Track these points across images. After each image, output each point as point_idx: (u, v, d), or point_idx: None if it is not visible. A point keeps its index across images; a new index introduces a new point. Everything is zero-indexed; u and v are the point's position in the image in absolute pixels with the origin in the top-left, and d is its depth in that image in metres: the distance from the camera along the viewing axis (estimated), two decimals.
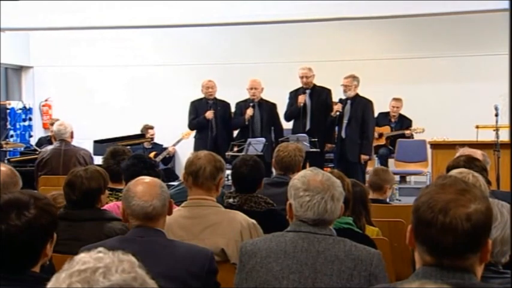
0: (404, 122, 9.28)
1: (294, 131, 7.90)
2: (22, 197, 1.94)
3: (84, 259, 1.08)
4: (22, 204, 1.91)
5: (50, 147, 6.74)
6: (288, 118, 8.06)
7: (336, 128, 7.89)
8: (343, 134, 7.72)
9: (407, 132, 9.13)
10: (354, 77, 7.71)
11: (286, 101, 8.06)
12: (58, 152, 6.44)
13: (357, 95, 7.74)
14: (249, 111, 7.90)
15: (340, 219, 2.95)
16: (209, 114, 8.09)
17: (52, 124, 8.74)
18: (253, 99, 7.98)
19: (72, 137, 6.63)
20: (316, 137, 7.50)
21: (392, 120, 9.35)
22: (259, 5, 8.52)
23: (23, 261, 1.88)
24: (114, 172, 3.97)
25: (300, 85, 7.94)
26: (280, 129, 8.11)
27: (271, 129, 8.07)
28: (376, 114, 8.78)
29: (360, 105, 7.71)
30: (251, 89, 7.99)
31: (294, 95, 7.94)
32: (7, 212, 1.89)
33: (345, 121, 7.70)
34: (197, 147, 7.83)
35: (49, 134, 9.75)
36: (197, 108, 8.21)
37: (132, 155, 4.14)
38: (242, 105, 8.10)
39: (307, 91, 7.87)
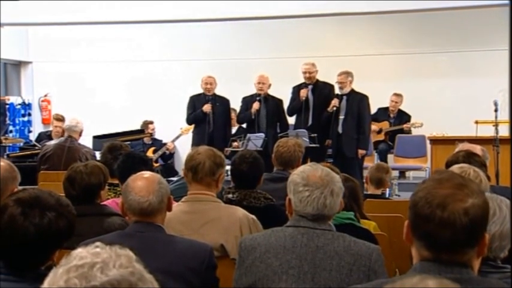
0: (403, 117, 9.30)
1: (296, 126, 7.92)
2: (48, 197, 1.92)
3: (82, 254, 1.08)
4: (47, 204, 1.90)
5: (54, 142, 6.78)
6: (290, 113, 8.07)
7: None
8: (339, 130, 7.73)
9: (405, 126, 9.14)
10: (348, 73, 7.74)
11: (289, 96, 8.07)
12: (62, 148, 6.48)
13: (352, 90, 7.77)
14: (256, 105, 7.91)
15: (341, 214, 2.96)
16: (206, 108, 8.10)
17: (57, 119, 8.75)
18: (260, 93, 7.98)
19: (80, 135, 6.68)
20: (318, 132, 7.51)
21: (391, 115, 9.38)
22: (259, 1, 8.51)
23: (31, 260, 1.87)
24: (111, 167, 3.97)
25: (303, 80, 7.94)
26: (286, 125, 8.12)
27: (276, 125, 8.09)
28: (374, 110, 8.80)
29: (356, 100, 7.73)
30: (259, 83, 7.99)
31: (297, 89, 7.95)
32: (32, 208, 1.88)
33: (341, 117, 7.72)
34: (195, 142, 7.88)
35: (50, 129, 9.76)
36: (195, 103, 8.24)
37: (124, 153, 4.13)
38: (248, 100, 8.11)
39: (310, 86, 7.88)
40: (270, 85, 8.03)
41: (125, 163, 3.78)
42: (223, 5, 8.58)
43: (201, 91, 8.30)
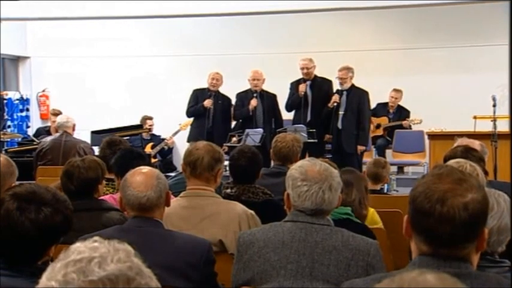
0: (402, 113, 9.29)
1: (295, 122, 7.91)
2: (45, 192, 1.92)
3: (80, 249, 1.07)
4: (43, 200, 1.89)
5: (50, 138, 6.79)
6: (289, 108, 8.05)
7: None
8: (339, 125, 7.72)
9: (405, 123, 9.14)
10: (349, 69, 7.72)
11: (287, 91, 8.04)
12: (58, 143, 6.48)
13: (353, 85, 7.75)
14: (253, 102, 7.90)
15: (339, 209, 2.95)
16: (207, 102, 8.08)
17: (54, 114, 8.77)
18: (255, 90, 7.96)
19: (73, 129, 6.71)
20: (316, 128, 7.49)
21: (391, 111, 9.37)
22: None
23: (28, 256, 1.87)
24: (110, 162, 3.96)
25: (301, 76, 7.92)
26: (281, 120, 8.11)
27: (272, 120, 8.08)
28: (373, 105, 8.79)
29: (356, 96, 7.72)
30: (253, 80, 7.97)
31: (296, 85, 7.92)
32: (28, 203, 1.87)
33: (341, 112, 7.70)
34: (192, 136, 7.84)
35: (48, 124, 9.75)
36: (198, 97, 8.22)
37: (122, 149, 4.12)
38: (243, 96, 8.09)
39: (308, 82, 7.86)
40: (264, 80, 8.01)
41: (122, 158, 3.77)
42: (223, 1, 8.56)
43: (201, 86, 8.29)
